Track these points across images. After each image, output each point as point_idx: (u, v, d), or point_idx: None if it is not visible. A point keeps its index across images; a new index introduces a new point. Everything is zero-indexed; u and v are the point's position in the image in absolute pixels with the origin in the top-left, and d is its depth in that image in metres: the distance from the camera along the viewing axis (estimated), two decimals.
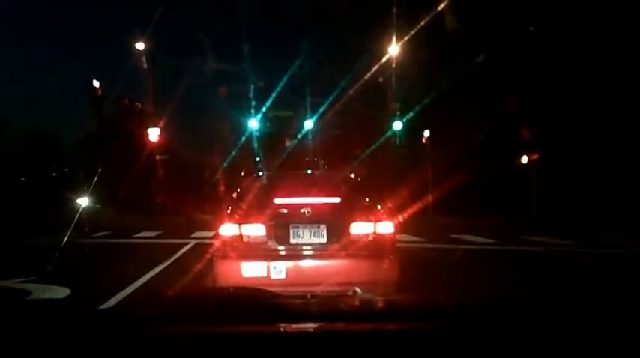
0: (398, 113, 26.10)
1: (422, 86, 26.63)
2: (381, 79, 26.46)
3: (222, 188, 16.31)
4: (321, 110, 26.36)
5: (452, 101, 25.51)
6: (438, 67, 25.86)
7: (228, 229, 5.02)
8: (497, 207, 22.91)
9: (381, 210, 5.30)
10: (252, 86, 27.26)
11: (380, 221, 5.12)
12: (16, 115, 52.13)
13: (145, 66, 25.15)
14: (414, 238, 13.41)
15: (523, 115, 24.10)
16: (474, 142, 26.21)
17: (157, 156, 27.55)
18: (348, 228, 5.02)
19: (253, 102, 27.20)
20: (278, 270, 4.86)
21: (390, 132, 25.74)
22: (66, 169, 39.22)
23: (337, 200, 5.34)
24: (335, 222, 5.05)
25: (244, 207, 5.25)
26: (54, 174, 37.91)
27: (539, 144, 24.75)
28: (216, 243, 5.14)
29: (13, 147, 34.27)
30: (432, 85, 25.61)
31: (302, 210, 5.06)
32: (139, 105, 24.57)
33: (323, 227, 5.01)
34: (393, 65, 25.39)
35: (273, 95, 26.29)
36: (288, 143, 36.93)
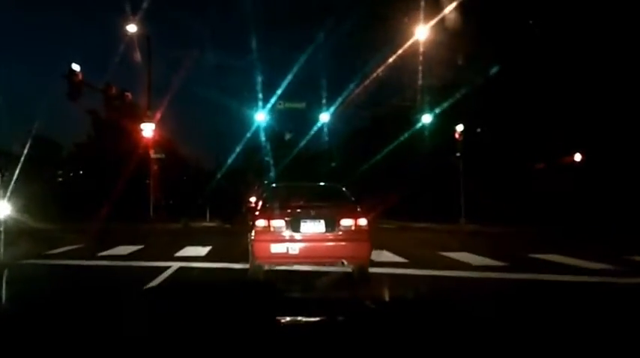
0: (426, 105, 22.54)
1: (452, 74, 23.30)
2: (404, 66, 23.02)
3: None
4: (338, 101, 23.02)
5: (489, 93, 22.22)
6: (470, 55, 22.52)
7: (261, 222, 7.51)
8: (544, 214, 19.61)
9: (360, 211, 7.73)
10: (259, 74, 24.06)
11: (358, 218, 7.54)
12: (17, 118, 50.71)
13: (139, 56, 22.17)
14: (488, 261, 9.46)
15: (568, 115, 21.02)
16: (516, 140, 22.81)
17: (152, 154, 24.35)
18: (338, 221, 7.49)
19: (260, 92, 23.98)
20: (293, 249, 7.36)
21: (418, 126, 22.21)
22: (70, 174, 38.96)
23: (331, 204, 7.94)
24: (329, 218, 7.51)
25: (270, 208, 7.85)
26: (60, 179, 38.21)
27: (586, 145, 21.77)
28: (253, 232, 7.51)
29: (14, 150, 31.99)
30: (464, 74, 22.34)
31: (308, 210, 7.65)
32: (129, 96, 21.48)
33: (322, 221, 7.49)
34: (420, 49, 21.84)
35: (284, 84, 23.03)
36: (287, 136, 33.65)
